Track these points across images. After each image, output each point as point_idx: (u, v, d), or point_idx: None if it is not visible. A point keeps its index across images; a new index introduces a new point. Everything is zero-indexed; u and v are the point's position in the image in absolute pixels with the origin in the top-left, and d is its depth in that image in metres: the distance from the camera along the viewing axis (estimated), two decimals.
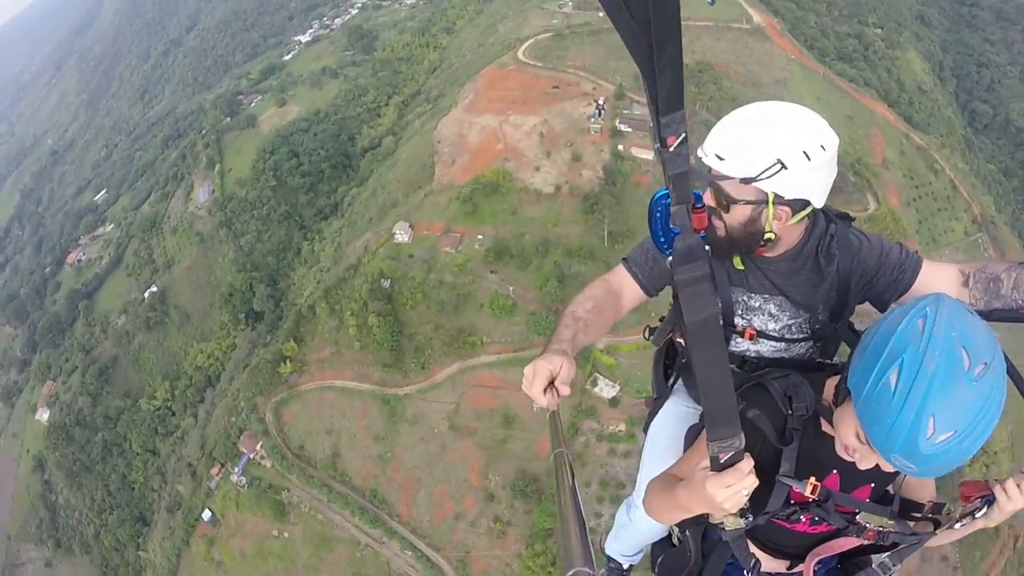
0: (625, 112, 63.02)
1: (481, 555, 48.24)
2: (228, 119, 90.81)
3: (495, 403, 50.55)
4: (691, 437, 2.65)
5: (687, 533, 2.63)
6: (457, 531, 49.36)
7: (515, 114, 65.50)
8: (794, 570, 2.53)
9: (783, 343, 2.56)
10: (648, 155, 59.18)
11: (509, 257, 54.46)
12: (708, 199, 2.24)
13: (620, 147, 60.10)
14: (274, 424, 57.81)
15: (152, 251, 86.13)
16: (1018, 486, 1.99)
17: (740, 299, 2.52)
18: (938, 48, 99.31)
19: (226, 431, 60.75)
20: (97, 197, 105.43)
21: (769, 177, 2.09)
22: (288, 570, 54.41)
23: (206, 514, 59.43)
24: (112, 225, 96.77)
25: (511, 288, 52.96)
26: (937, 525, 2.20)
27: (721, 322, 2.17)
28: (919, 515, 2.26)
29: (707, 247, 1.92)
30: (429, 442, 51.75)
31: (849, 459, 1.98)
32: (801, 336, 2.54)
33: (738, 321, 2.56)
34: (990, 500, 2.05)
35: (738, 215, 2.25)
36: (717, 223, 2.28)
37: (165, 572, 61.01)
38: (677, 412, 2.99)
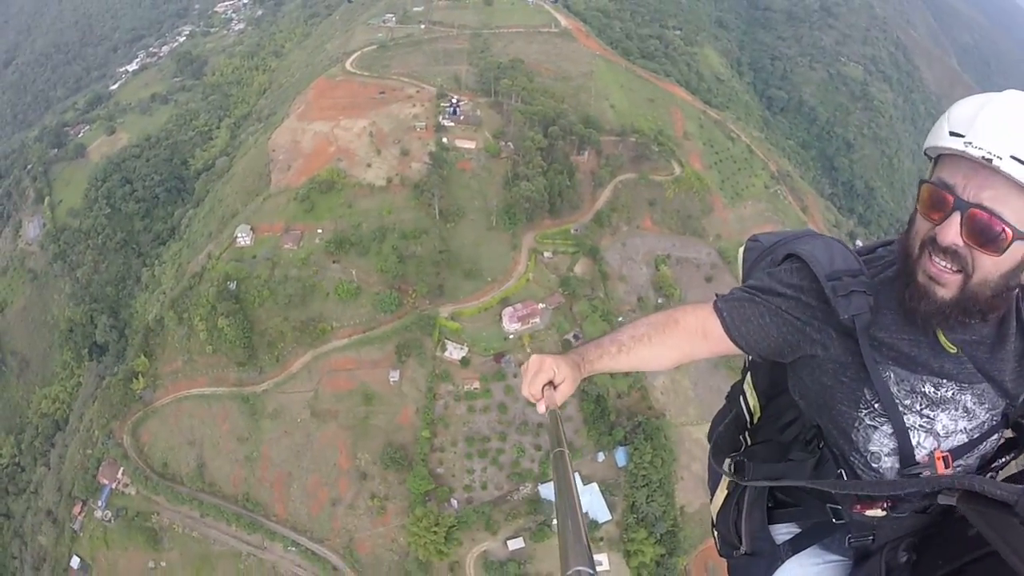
0: (446, 108, 68.07)
1: (365, 536, 49.40)
2: (55, 151, 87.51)
3: (352, 384, 52.98)
4: None
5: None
6: (337, 518, 50.21)
7: (345, 119, 68.80)
8: None
9: (973, 448, 1.89)
10: (471, 145, 64.72)
11: (349, 246, 57.47)
12: (955, 236, 1.59)
13: (444, 139, 64.94)
14: (133, 447, 56.54)
15: None
16: None
17: (921, 392, 1.81)
18: (735, 47, 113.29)
19: (83, 465, 58.24)
20: None
21: None
22: None
23: (74, 561, 55.67)
24: None
25: (354, 272, 55.94)
26: None
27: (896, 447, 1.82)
28: None
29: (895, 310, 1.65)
30: (294, 433, 52.89)
31: None
32: (989, 431, 1.89)
33: (919, 440, 1.86)
34: None
35: (1009, 259, 1.58)
36: (949, 278, 1.64)
37: None
38: (809, 574, 2.21)
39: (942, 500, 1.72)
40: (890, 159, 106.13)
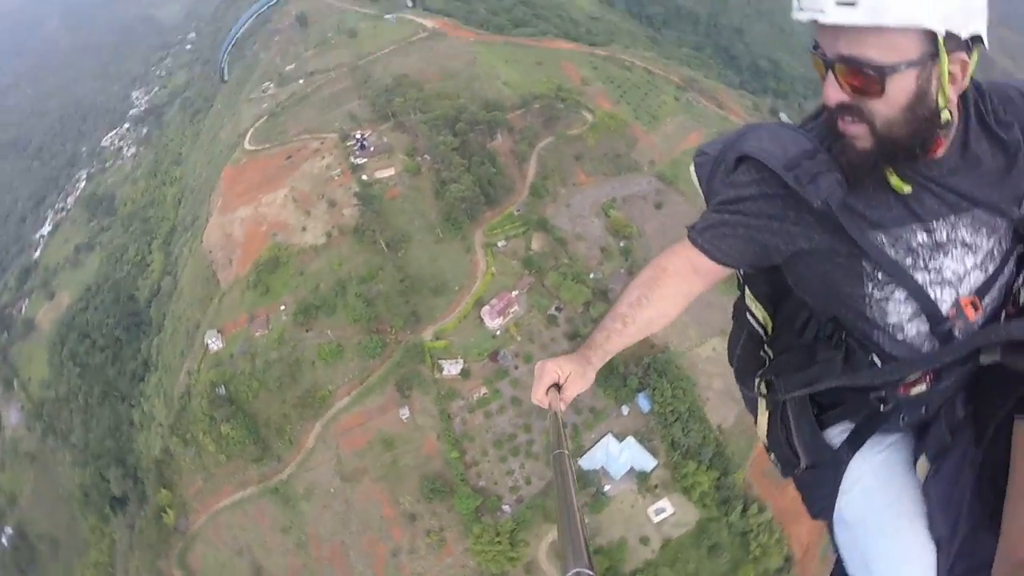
0: (354, 148, 68.36)
1: (436, 574, 49.36)
2: (5, 335, 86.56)
3: (368, 436, 53.14)
4: (943, 491, 1.93)
5: None
6: (403, 567, 50.18)
7: (264, 195, 68.76)
8: None
9: (993, 282, 1.81)
10: (390, 172, 65.14)
11: (315, 311, 57.57)
12: (837, 93, 1.60)
13: (364, 176, 65.20)
14: None
15: None
16: None
17: (917, 244, 1.75)
18: None
19: None
20: None
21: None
22: None
23: None
24: None
25: (329, 332, 56.11)
26: None
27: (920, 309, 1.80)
28: None
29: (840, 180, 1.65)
30: (332, 504, 52.94)
31: None
32: (1003, 255, 1.81)
33: (937, 295, 1.80)
34: None
35: (898, 94, 1.53)
36: (856, 129, 1.64)
37: None
38: (875, 467, 2.14)
39: (984, 360, 1.71)
40: (782, 28, 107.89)
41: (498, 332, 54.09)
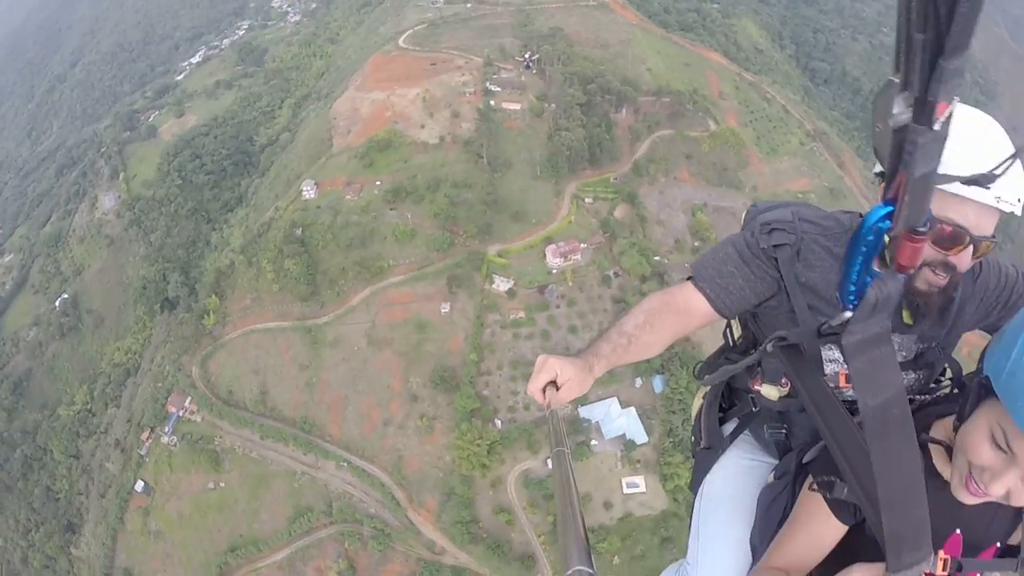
0: (493, 76, 72.72)
1: (413, 455, 52.85)
2: (128, 133, 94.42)
3: (406, 315, 57.18)
4: (767, 503, 2.35)
5: None
6: (387, 437, 53.92)
7: (400, 88, 73.87)
8: None
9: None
10: (516, 107, 69.09)
11: (405, 195, 62.09)
12: (968, 263, 1.91)
13: (492, 102, 69.54)
14: (201, 377, 61.29)
15: (59, 264, 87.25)
16: None
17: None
18: (776, 21, 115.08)
19: (153, 396, 63.15)
20: None
21: None
22: (227, 521, 56.45)
23: (139, 485, 59.94)
24: (11, 255, 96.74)
25: (409, 216, 60.46)
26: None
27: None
28: None
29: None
30: (351, 360, 57.07)
31: (972, 498, 1.66)
32: (902, 362, 2.22)
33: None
34: None
35: (968, 256, 1.89)
36: (932, 277, 1.93)
37: (101, 562, 60.99)
38: (739, 467, 2.65)
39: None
40: None
41: (554, 270, 57.26)
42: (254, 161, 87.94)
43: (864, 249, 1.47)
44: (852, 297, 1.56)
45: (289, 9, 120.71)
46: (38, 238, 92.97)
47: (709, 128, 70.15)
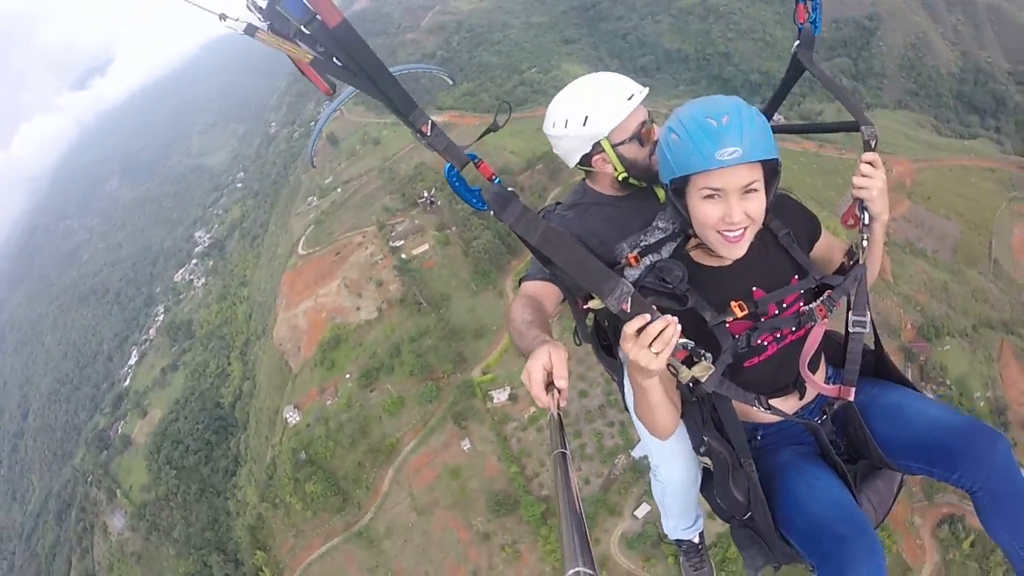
0: (392, 234, 78.79)
1: None
2: (104, 453, 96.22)
3: (436, 471, 59.71)
4: None
5: (707, 440, 2.54)
6: None
7: (321, 288, 78.94)
8: (807, 400, 2.62)
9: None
10: (425, 248, 74.81)
11: (376, 373, 65.88)
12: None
13: (403, 255, 75.26)
14: None
15: None
16: (863, 169, 2.39)
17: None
18: (590, 49, 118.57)
19: None
20: None
21: None
22: None
23: None
24: None
25: (390, 387, 64.01)
26: (855, 259, 2.48)
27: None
28: (842, 269, 2.56)
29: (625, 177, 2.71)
30: (411, 538, 58.53)
31: (736, 244, 2.26)
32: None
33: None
34: (861, 203, 2.44)
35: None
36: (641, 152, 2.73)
37: None
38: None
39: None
40: (764, 41, 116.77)
41: None
42: (231, 421, 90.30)
43: (458, 184, 2.17)
44: (481, 205, 2.19)
45: (191, 277, 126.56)
46: None
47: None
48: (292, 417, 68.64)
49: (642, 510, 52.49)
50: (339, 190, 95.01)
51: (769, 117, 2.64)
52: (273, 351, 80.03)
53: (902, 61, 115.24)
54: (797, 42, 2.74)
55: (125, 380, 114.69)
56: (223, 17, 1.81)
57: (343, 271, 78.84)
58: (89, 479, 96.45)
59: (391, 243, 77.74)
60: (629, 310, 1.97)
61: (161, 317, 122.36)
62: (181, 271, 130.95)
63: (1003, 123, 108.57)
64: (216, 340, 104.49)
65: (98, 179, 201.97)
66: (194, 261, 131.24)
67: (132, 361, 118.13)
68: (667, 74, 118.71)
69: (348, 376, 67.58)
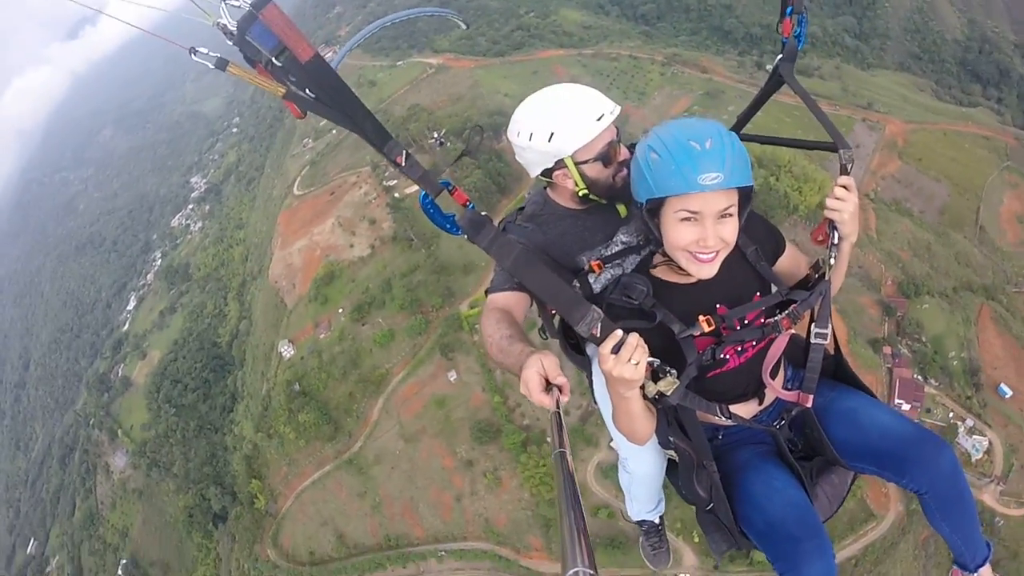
0: (385, 174, 79.02)
1: (496, 511, 55.61)
2: (106, 395, 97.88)
3: (424, 401, 61.12)
4: None
5: (672, 439, 2.63)
6: (466, 510, 56.80)
7: (315, 227, 79.62)
8: (766, 404, 2.72)
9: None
10: (415, 186, 74.93)
11: (368, 307, 66.94)
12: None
13: (396, 194, 75.59)
14: (279, 556, 63.78)
15: (103, 538, 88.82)
16: (837, 192, 2.42)
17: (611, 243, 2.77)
18: None
19: None
20: (29, 549, 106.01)
21: None
22: None
23: None
24: (57, 556, 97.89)
25: (381, 321, 65.11)
26: (820, 274, 2.54)
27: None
28: (807, 281, 2.63)
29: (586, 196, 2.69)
30: (399, 465, 60.31)
31: (707, 264, 2.28)
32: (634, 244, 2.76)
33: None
34: (831, 222, 2.47)
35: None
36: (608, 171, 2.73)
37: None
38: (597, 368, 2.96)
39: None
40: None
41: None
42: (228, 359, 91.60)
43: (432, 211, 2.28)
44: (456, 231, 2.30)
45: (188, 222, 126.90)
46: (72, 527, 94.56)
47: None
48: (287, 351, 69.95)
49: None
50: (334, 132, 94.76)
51: (741, 128, 2.89)
52: (269, 289, 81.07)
53: (907, 24, 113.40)
54: (780, 56, 2.74)
55: (124, 325, 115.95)
56: (193, 51, 1.82)
57: (337, 210, 79.41)
58: (91, 421, 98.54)
59: (384, 182, 78.15)
60: (599, 335, 2.07)
61: (159, 262, 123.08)
62: (178, 217, 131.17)
63: (1005, 94, 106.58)
64: (213, 282, 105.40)
65: (92, 130, 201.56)
66: (190, 206, 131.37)
67: (131, 306, 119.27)
68: (668, 23, 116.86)
69: (341, 311, 68.66)
